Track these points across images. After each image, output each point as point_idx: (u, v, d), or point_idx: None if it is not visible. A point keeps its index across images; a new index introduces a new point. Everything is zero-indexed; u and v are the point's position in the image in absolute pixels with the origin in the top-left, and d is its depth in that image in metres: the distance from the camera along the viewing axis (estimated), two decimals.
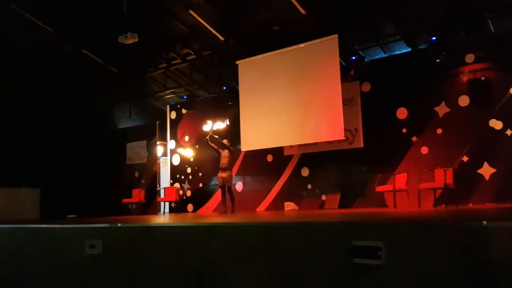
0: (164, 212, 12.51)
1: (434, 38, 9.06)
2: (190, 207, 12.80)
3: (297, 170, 11.11)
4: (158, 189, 12.82)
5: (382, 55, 10.50)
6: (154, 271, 4.21)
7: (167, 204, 12.54)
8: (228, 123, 11.16)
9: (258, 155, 11.44)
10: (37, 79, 11.78)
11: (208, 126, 10.30)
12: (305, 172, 10.97)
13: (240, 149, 11.33)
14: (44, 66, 11.68)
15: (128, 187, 12.87)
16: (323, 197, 10.55)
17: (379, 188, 9.05)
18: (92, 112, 13.74)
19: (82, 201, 12.37)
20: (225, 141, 9.38)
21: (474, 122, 8.94)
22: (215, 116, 11.79)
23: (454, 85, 9.32)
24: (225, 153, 9.32)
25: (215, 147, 9.56)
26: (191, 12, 9.97)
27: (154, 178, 13.21)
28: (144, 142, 13.85)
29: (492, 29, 9.18)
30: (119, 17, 8.23)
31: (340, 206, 10.13)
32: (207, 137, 9.57)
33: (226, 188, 9.26)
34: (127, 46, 8.98)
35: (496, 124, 8.74)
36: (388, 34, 9.86)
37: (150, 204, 12.90)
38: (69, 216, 11.63)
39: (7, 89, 11.17)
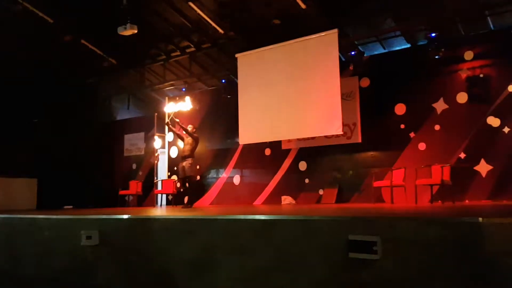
0: (161, 205, 12.52)
1: (433, 34, 9.05)
2: (187, 199, 12.81)
3: (294, 164, 11.12)
4: (155, 181, 12.82)
5: (382, 50, 10.50)
6: (150, 262, 4.22)
7: (164, 196, 12.55)
8: (192, 105, 10.34)
9: (256, 148, 11.44)
10: (35, 69, 11.73)
11: (170, 107, 9.57)
12: (302, 166, 10.99)
13: (238, 142, 11.33)
14: (43, 56, 11.64)
15: (125, 179, 12.87)
16: (320, 192, 10.57)
17: (376, 184, 9.07)
18: (90, 103, 13.72)
19: (79, 192, 12.37)
20: (189, 127, 8.68)
21: (472, 119, 8.95)
22: (212, 109, 11.80)
23: (452, 81, 9.32)
24: (188, 140, 8.67)
25: (177, 132, 8.95)
26: (191, 4, 9.92)
27: (152, 170, 13.21)
28: (142, 134, 13.82)
29: (492, 26, 9.17)
30: (119, 8, 8.20)
31: (337, 201, 10.16)
32: (168, 120, 8.91)
33: (187, 179, 8.67)
34: (126, 37, 8.95)
35: (493, 121, 8.75)
36: (387, 29, 9.82)
37: (147, 196, 12.91)
38: (66, 207, 11.62)
39: (5, 77, 11.11)
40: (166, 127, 8.74)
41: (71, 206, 11.75)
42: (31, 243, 5.28)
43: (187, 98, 11.11)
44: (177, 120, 8.98)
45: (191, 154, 8.60)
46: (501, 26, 9.07)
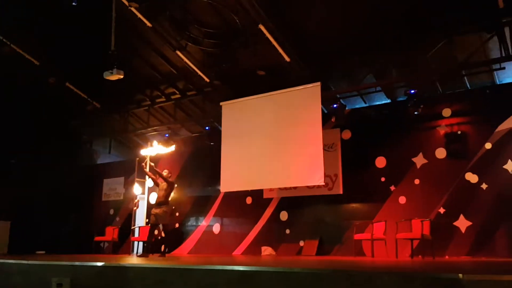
0: (137, 252, 12.17)
1: (412, 91, 9.33)
2: (163, 247, 12.49)
3: (276, 214, 11.04)
4: (132, 227, 12.52)
5: (363, 104, 10.75)
6: None
7: (140, 244, 12.23)
8: (173, 148, 10.40)
9: (237, 197, 11.36)
10: (18, 110, 11.66)
11: (148, 150, 9.40)
12: (284, 216, 10.90)
13: (219, 189, 11.23)
14: (27, 97, 11.60)
15: (102, 224, 12.57)
16: (301, 243, 10.44)
17: (357, 236, 9.02)
18: (71, 146, 13.58)
19: (53, 237, 11.99)
20: (165, 172, 8.33)
21: (451, 175, 9.10)
22: (195, 155, 11.77)
23: (431, 137, 9.55)
24: (162, 185, 8.25)
25: (153, 176, 8.60)
26: (178, 53, 10.11)
27: (129, 216, 12.92)
28: (121, 179, 13.64)
29: (468, 85, 9.53)
30: (106, 52, 8.30)
31: (318, 253, 10.02)
32: (143, 164, 8.58)
33: (161, 227, 8.17)
34: (112, 81, 9.00)
35: (472, 177, 8.90)
36: (368, 85, 10.07)
37: (124, 243, 12.56)
38: (38, 252, 11.21)
39: None
40: (142, 170, 8.43)
41: (43, 252, 11.35)
42: None
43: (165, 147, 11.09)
44: (152, 164, 8.84)
45: (166, 200, 8.20)
46: (477, 85, 9.43)
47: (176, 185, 8.82)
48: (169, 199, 8.42)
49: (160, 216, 8.03)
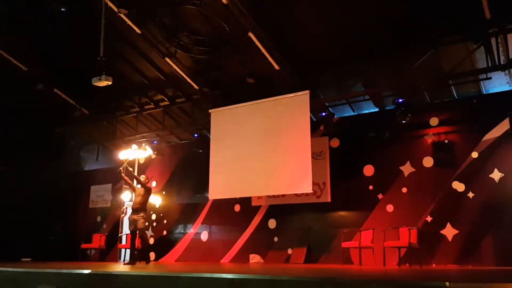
0: (124, 260, 12.05)
1: (400, 100, 9.41)
2: (152, 255, 12.39)
3: (264, 221, 11.01)
4: (120, 235, 12.40)
5: (351, 113, 10.81)
6: None
7: (128, 251, 12.11)
8: (153, 155, 10.24)
9: (225, 204, 11.32)
10: (4, 116, 11.52)
11: (125, 154, 9.22)
12: (272, 224, 10.88)
13: (207, 197, 11.19)
14: (14, 103, 11.47)
15: (89, 231, 12.43)
16: (289, 251, 10.43)
17: (345, 244, 9.03)
18: (59, 152, 13.44)
19: (39, 244, 11.83)
20: (142, 177, 8.23)
21: (438, 183, 9.17)
22: (183, 163, 11.71)
23: (419, 146, 9.63)
24: (139, 191, 8.13)
25: (129, 181, 8.47)
26: (167, 59, 10.10)
27: (117, 223, 12.80)
28: (109, 186, 13.52)
29: (455, 94, 9.65)
30: (94, 58, 8.26)
31: (306, 261, 10.01)
32: (121, 168, 8.26)
33: (138, 233, 7.98)
34: (100, 88, 8.94)
35: (458, 186, 8.98)
36: (356, 93, 10.14)
37: (111, 251, 12.42)
38: (24, 259, 11.05)
39: None
40: (119, 174, 8.17)
41: (29, 259, 11.19)
42: None
43: (148, 147, 11.03)
44: (131, 169, 8.69)
45: (143, 206, 8.03)
46: (464, 95, 9.55)
47: (158, 191, 8.56)
48: (147, 205, 8.24)
49: (139, 223, 7.88)
